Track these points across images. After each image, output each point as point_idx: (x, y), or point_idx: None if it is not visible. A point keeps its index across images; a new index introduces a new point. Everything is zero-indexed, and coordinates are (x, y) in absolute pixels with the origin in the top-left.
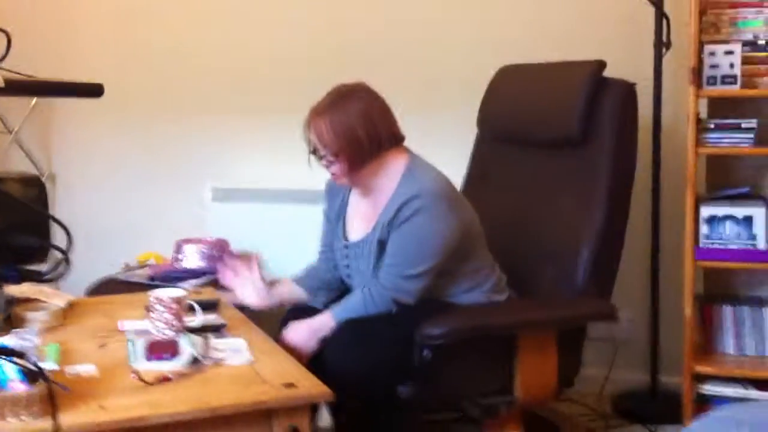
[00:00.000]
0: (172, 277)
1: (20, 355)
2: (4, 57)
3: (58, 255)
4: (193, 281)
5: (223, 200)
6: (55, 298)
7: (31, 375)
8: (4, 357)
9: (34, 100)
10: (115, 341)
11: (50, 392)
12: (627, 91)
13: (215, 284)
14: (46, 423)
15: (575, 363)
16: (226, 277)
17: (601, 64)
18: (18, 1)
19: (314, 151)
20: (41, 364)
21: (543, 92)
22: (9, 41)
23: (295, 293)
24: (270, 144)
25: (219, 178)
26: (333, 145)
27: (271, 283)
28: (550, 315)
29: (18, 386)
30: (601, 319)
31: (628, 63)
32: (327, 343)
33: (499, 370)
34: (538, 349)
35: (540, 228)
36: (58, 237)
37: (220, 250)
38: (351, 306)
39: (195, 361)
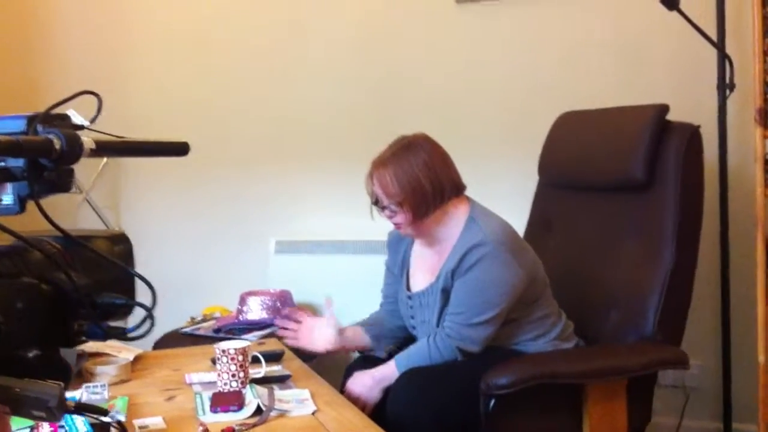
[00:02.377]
0: (236, 329)
1: (102, 411)
2: (94, 119)
3: (142, 312)
4: (258, 333)
5: (286, 252)
6: (122, 351)
7: (102, 429)
8: (86, 413)
9: (105, 159)
10: (181, 394)
11: None
12: (691, 134)
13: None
14: None
15: (646, 412)
16: (289, 333)
17: (664, 108)
18: (82, 63)
19: (377, 203)
20: (112, 418)
21: (605, 138)
22: (100, 103)
23: (361, 338)
24: (331, 196)
25: (281, 231)
26: (397, 196)
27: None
28: (619, 363)
29: None
30: (671, 366)
31: (691, 106)
32: (390, 393)
33: (568, 420)
34: (607, 397)
35: (605, 274)
36: (140, 293)
37: (283, 302)
38: (415, 355)
39: (260, 412)
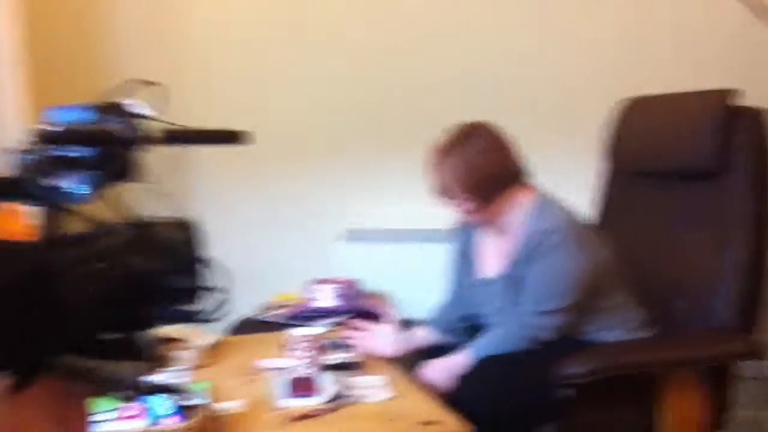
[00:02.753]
0: (307, 316)
1: (179, 392)
2: (161, 109)
3: (212, 296)
4: (329, 320)
5: (355, 241)
6: (200, 337)
7: (187, 410)
8: (165, 394)
9: (176, 149)
10: (257, 379)
11: (204, 427)
12: (762, 118)
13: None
14: None
15: (722, 404)
16: (354, 341)
17: (732, 92)
18: (150, 56)
19: (438, 191)
20: (195, 401)
21: (674, 123)
22: (166, 94)
23: (428, 335)
24: (399, 184)
25: (351, 220)
26: (459, 184)
27: (403, 324)
28: (695, 353)
29: (169, 421)
30: (746, 357)
31: (756, 90)
32: (464, 382)
33: (643, 411)
34: (682, 389)
35: (675, 262)
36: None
37: (353, 290)
38: (488, 344)
39: (336, 398)
